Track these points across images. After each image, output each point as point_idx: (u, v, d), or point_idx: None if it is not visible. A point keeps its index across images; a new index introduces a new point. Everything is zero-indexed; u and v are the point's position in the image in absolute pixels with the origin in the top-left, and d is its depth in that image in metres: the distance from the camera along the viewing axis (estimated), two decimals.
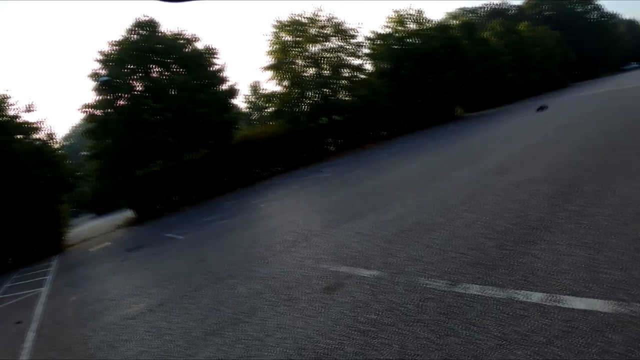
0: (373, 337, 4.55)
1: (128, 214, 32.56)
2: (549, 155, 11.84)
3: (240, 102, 75.81)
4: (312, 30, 41.45)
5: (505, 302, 4.54)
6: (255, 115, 57.14)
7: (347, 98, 41.81)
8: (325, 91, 40.98)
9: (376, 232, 8.63)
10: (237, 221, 16.24)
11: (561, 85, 74.67)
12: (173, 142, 29.44)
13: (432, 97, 46.77)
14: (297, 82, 40.67)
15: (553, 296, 4.41)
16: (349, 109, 40.71)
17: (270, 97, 41.56)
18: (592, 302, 4.12)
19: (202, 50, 34.33)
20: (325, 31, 41.70)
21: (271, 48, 40.91)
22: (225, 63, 34.94)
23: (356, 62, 43.68)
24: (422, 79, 44.47)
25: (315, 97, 41.15)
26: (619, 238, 5.31)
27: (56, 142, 28.03)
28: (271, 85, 42.97)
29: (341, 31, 42.06)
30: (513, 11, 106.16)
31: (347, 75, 42.55)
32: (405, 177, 14.95)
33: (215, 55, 34.73)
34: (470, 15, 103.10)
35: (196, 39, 34.39)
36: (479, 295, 4.86)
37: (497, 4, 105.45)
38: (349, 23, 46.29)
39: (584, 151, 11.27)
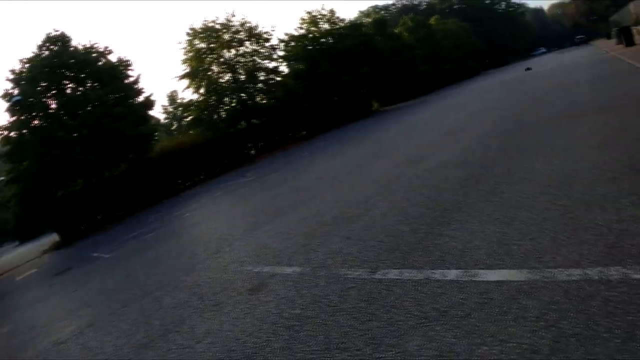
0: (298, 331, 4.64)
1: (54, 237, 31.57)
2: (461, 141, 12.57)
3: (158, 113, 75.12)
4: (226, 36, 41.68)
5: (423, 283, 4.73)
6: (175, 126, 56.69)
7: (264, 101, 42.25)
8: (242, 96, 41.22)
9: (297, 230, 8.85)
10: (161, 233, 16.14)
11: (473, 74, 77.51)
12: (92, 159, 28.78)
13: (349, 94, 47.74)
14: (213, 88, 40.77)
15: (468, 272, 4.61)
16: (266, 112, 41.17)
17: (187, 106, 41.35)
18: (506, 273, 4.32)
19: (115, 62, 33.73)
20: (239, 36, 42.07)
21: (186, 56, 40.78)
22: (139, 75, 34.28)
23: (271, 65, 44.35)
24: (338, 77, 45.40)
25: (233, 102, 41.40)
26: (527, 211, 5.66)
27: None
28: (188, 93, 42.49)
29: (255, 35, 42.49)
30: (424, 6, 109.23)
31: (262, 78, 43.04)
32: (324, 174, 15.31)
33: (129, 67, 34.22)
34: (383, 12, 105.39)
35: (109, 52, 33.74)
36: (397, 279, 5.05)
37: (407, 1, 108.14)
38: (262, 27, 46.45)
39: (492, 134, 12.12)
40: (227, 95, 41.03)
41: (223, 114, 40.90)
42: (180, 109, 44.04)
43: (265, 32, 43.00)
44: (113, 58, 34.10)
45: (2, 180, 30.88)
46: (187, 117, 42.17)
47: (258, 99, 42.42)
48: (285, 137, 42.49)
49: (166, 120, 50.44)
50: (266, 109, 41.15)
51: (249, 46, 42.69)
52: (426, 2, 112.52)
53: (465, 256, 5.01)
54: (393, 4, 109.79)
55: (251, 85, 42.06)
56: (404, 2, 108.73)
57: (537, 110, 14.29)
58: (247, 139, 40.42)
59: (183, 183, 34.95)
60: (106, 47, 33.80)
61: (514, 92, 23.62)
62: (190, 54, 40.75)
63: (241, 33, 42.03)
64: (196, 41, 40.95)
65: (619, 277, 3.62)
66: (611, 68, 20.58)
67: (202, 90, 40.89)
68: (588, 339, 3.07)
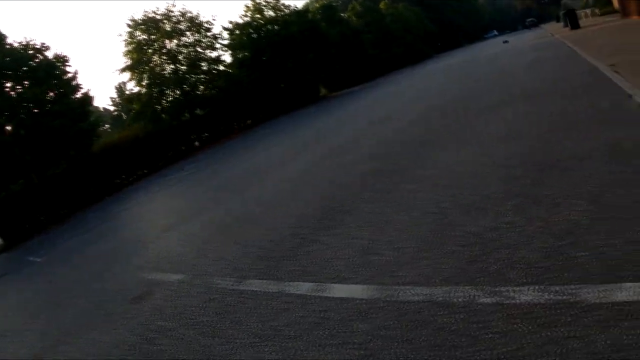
0: (154, 344, 4.77)
1: None
2: (385, 132, 12.81)
3: (108, 105, 74.04)
4: (167, 26, 41.08)
5: (275, 296, 4.78)
6: (124, 117, 55.67)
7: (207, 91, 41.92)
8: (185, 87, 40.80)
9: (202, 233, 9.15)
10: (95, 234, 15.96)
11: (424, 57, 77.90)
12: (30, 159, 28.17)
13: (295, 81, 47.66)
14: (155, 80, 40.24)
15: (320, 285, 4.58)
16: (210, 102, 40.82)
17: (129, 99, 40.86)
18: (353, 289, 4.25)
19: (52, 59, 32.79)
20: (180, 26, 41.52)
21: (127, 48, 40.03)
22: (76, 70, 33.57)
23: (214, 54, 43.94)
24: (283, 64, 45.18)
25: (176, 94, 40.94)
26: (407, 214, 5.73)
27: None
28: (131, 86, 41.77)
29: (196, 25, 42.02)
30: None
31: (205, 68, 42.67)
32: (253, 167, 15.54)
33: (66, 63, 33.30)
34: None
35: (46, 48, 32.73)
36: (256, 290, 5.14)
37: None
38: (203, 16, 45.90)
39: (416, 124, 12.51)
40: (169, 87, 40.55)
41: (166, 106, 40.34)
42: (124, 101, 43.24)
43: (207, 22, 42.64)
44: (50, 54, 32.94)
45: None
46: (131, 110, 41.43)
47: (201, 89, 42.08)
48: (230, 126, 42.23)
49: (115, 113, 49.50)
50: (210, 99, 40.80)
51: (190, 36, 42.20)
52: None
53: (326, 267, 5.07)
54: None
55: (194, 76, 41.69)
56: None
57: (467, 97, 14.83)
58: (191, 130, 39.98)
59: (127, 178, 34.34)
60: (43, 44, 32.66)
61: (452, 78, 24.06)
62: (132, 45, 39.98)
63: (182, 23, 41.52)
64: (137, 32, 40.22)
65: (463, 301, 3.48)
66: (551, 52, 20.94)
67: (144, 82, 40.28)
68: None
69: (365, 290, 4.21)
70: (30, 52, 31.89)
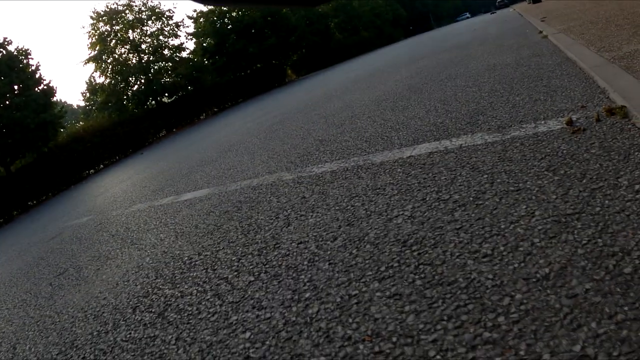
0: None
1: None
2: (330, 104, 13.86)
3: (79, 100, 74.34)
4: (129, 17, 41.43)
5: None
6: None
7: (171, 79, 42.32)
8: (149, 76, 41.29)
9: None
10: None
11: (394, 40, 78.56)
12: None
13: (260, 66, 48.38)
14: (119, 70, 40.63)
15: None
16: (174, 88, 41.40)
17: (93, 90, 41.40)
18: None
19: (14, 52, 33.36)
20: (142, 16, 41.82)
21: (91, 40, 40.42)
22: (38, 63, 34.02)
23: (176, 42, 44.15)
24: (245, 50, 45.73)
25: (139, 83, 41.41)
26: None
27: None
28: (96, 77, 42.06)
29: (157, 14, 42.34)
30: None
31: (168, 56, 43.13)
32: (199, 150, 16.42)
33: (28, 56, 33.69)
34: None
35: (8, 42, 33.16)
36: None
37: None
38: (164, 5, 46.37)
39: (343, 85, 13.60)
40: (133, 76, 40.91)
41: (130, 95, 40.78)
42: (89, 92, 43.59)
43: (168, 10, 43.03)
44: (12, 48, 33.33)
45: None
46: (96, 100, 41.91)
47: (165, 77, 42.53)
48: (195, 113, 42.66)
49: (88, 107, 49.78)
50: (173, 87, 41.32)
51: (152, 25, 42.62)
52: None
53: None
54: None
55: (157, 64, 42.09)
56: None
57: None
58: (157, 118, 40.35)
59: (94, 167, 34.83)
60: (5, 39, 33.01)
61: (404, 53, 25.18)
62: (95, 37, 40.37)
63: (144, 13, 41.86)
64: (100, 24, 40.63)
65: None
66: (508, 22, 22.42)
67: (108, 73, 40.68)
68: None
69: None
70: None
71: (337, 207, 3.91)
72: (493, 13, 48.63)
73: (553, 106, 4.47)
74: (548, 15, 16.71)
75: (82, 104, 46.80)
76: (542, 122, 4.11)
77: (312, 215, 3.95)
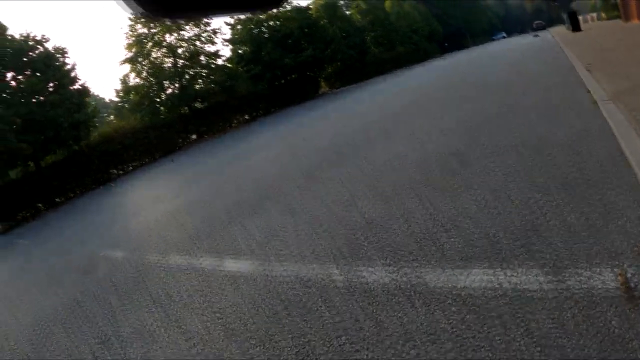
0: None
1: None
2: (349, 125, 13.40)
3: (112, 97, 74.80)
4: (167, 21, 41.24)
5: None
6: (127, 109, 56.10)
7: (205, 86, 42.22)
8: (183, 80, 41.22)
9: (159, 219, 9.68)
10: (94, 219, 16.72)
11: (429, 57, 78.00)
12: (26, 149, 28.86)
13: (295, 77, 48.26)
14: (154, 73, 40.70)
15: None
16: (208, 95, 41.22)
17: (127, 91, 41.46)
18: None
19: (51, 51, 33.24)
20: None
21: (128, 41, 40.58)
22: (74, 63, 34.19)
23: (212, 48, 44.04)
24: (281, 60, 45.39)
25: (174, 87, 41.36)
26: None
27: None
28: (131, 78, 42.11)
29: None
30: None
31: (204, 62, 42.98)
32: (225, 160, 16.07)
33: (65, 55, 33.78)
34: None
35: (46, 40, 33.13)
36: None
37: None
38: None
39: (376, 121, 12.95)
40: (168, 80, 40.93)
41: (164, 99, 40.79)
42: (122, 93, 43.63)
43: None
44: (49, 46, 33.33)
45: None
46: (129, 101, 41.90)
47: (199, 82, 42.45)
48: (227, 121, 42.75)
49: (120, 104, 49.93)
50: (207, 93, 41.17)
51: (189, 30, 42.61)
52: None
53: None
54: None
55: (192, 70, 42.02)
56: None
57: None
58: (189, 123, 40.48)
59: (123, 169, 34.97)
60: (43, 36, 33.04)
61: (441, 77, 24.56)
62: (132, 39, 40.55)
63: None
64: (138, 26, 40.72)
65: None
66: (544, 51, 21.60)
67: (143, 75, 40.83)
68: None
69: None
70: (31, 43, 32.50)
71: (392, 350, 3.56)
72: (536, 36, 46.50)
73: (607, 241, 3.92)
74: (593, 53, 15.20)
75: (115, 98, 46.69)
76: (597, 269, 3.62)
77: (366, 354, 3.61)
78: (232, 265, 5.89)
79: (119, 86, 47.64)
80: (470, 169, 6.71)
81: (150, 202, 13.01)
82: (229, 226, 7.03)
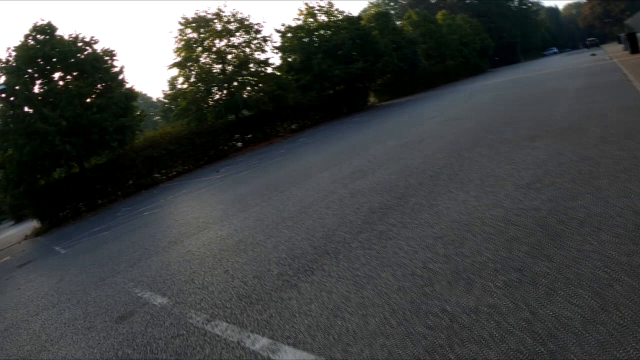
0: None
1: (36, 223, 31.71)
2: (409, 156, 11.90)
3: (158, 99, 75.15)
4: (217, 26, 41.14)
5: (231, 347, 4.52)
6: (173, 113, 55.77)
7: (253, 93, 41.56)
8: (232, 87, 40.66)
9: (199, 253, 8.65)
10: (117, 232, 16.01)
11: (479, 71, 76.68)
12: (70, 150, 28.69)
13: (344, 88, 47.35)
14: (202, 79, 40.31)
15: (275, 344, 4.27)
16: (256, 104, 40.52)
17: (174, 96, 41.19)
18: (302, 356, 3.96)
19: (100, 53, 33.24)
20: (230, 26, 41.44)
21: (177, 45, 40.39)
22: (122, 66, 33.65)
23: (262, 56, 43.36)
24: (330, 71, 44.47)
25: (222, 93, 40.85)
26: (392, 271, 5.10)
27: None
28: (179, 83, 41.92)
29: (246, 26, 41.85)
30: (434, 0, 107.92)
31: (253, 70, 42.32)
32: (273, 182, 14.96)
33: (114, 58, 33.76)
34: (392, 4, 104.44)
35: (94, 42, 33.24)
36: (219, 335, 4.86)
37: None
38: (254, 18, 45.82)
39: (443, 151, 11.35)
40: (216, 86, 40.42)
41: (211, 105, 40.29)
42: (169, 98, 43.44)
43: (257, 23, 42.21)
44: (98, 48, 33.54)
45: None
46: (176, 106, 41.61)
47: (248, 90, 41.81)
48: (275, 130, 42.17)
49: (167, 106, 49.97)
50: (255, 101, 40.43)
51: (239, 37, 42.09)
52: None
53: (289, 322, 4.67)
54: None
55: (241, 77, 41.40)
56: None
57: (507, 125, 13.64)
58: (235, 131, 40.12)
59: (166, 174, 34.84)
60: (92, 37, 33.20)
61: (497, 99, 22.94)
62: (182, 43, 40.35)
63: (232, 24, 41.31)
64: (188, 30, 40.48)
65: None
66: (605, 77, 19.91)
67: (191, 80, 40.55)
68: None
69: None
70: (79, 44, 32.42)
71: None
72: (593, 55, 44.70)
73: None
74: None
75: (164, 100, 46.61)
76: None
77: None
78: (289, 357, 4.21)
79: (167, 87, 47.94)
80: (563, 262, 5.10)
81: (192, 224, 12.07)
82: (282, 290, 5.67)
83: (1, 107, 29.33)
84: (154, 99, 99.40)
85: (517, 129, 11.55)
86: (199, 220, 12.34)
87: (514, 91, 24.27)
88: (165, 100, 46.01)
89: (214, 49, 41.36)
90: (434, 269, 4.78)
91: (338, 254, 6.14)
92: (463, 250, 5.04)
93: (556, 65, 41.36)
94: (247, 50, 42.22)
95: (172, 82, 43.85)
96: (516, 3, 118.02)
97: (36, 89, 30.68)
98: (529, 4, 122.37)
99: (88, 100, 31.73)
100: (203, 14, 40.88)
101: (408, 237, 6.03)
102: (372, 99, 57.59)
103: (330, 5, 49.49)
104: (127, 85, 34.39)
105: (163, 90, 63.26)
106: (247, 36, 42.09)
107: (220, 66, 41.53)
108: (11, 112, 29.25)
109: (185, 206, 17.17)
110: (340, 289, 5.03)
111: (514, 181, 7.09)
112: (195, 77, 40.59)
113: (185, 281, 7.18)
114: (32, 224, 33.29)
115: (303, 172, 14.83)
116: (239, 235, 9.07)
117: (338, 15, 49.59)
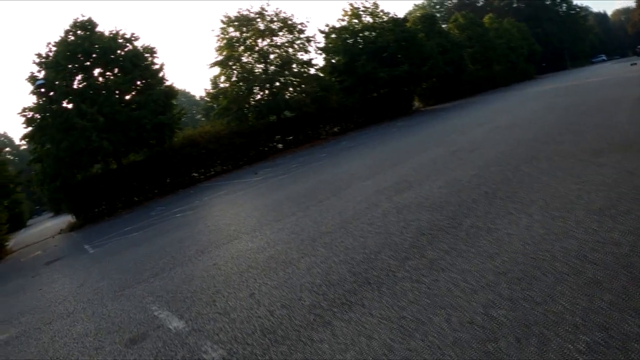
0: None
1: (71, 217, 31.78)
2: (460, 167, 10.64)
3: (200, 98, 75.36)
4: (260, 25, 40.51)
5: None
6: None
7: (295, 94, 40.75)
8: (274, 88, 39.94)
9: (226, 268, 7.80)
10: (147, 234, 15.52)
11: (526, 77, 74.82)
12: (107, 147, 28.41)
13: (388, 91, 46.18)
14: (244, 78, 39.66)
15: None
16: (298, 105, 39.74)
17: (215, 95, 40.80)
18: None
19: (140, 49, 33.05)
20: (273, 26, 40.80)
21: (219, 44, 39.86)
22: (163, 63, 33.38)
23: (305, 57, 42.59)
24: (375, 73, 43.27)
25: (263, 93, 40.23)
26: (446, 316, 4.09)
27: None
28: (221, 82, 41.51)
29: (289, 25, 41.13)
30: (480, 3, 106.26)
31: (296, 70, 41.51)
32: (312, 189, 14.01)
33: (154, 55, 33.54)
34: (438, 7, 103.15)
35: (135, 38, 33.14)
36: None
37: None
38: (297, 17, 45.09)
39: (498, 163, 10.03)
40: (258, 86, 39.79)
41: (252, 105, 39.68)
42: (209, 97, 43.14)
43: (300, 23, 41.49)
44: (139, 45, 33.43)
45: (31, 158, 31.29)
46: (217, 105, 41.18)
47: (290, 91, 41.09)
48: (316, 132, 41.45)
49: (209, 104, 49.87)
50: (297, 102, 39.66)
51: (282, 37, 41.35)
52: None
53: None
54: None
55: (283, 77, 40.70)
56: None
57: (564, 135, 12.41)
58: (276, 132, 39.52)
59: (204, 173, 34.53)
60: (132, 34, 33.19)
61: (549, 107, 21.55)
62: (224, 41, 39.76)
63: (275, 23, 40.65)
64: (230, 29, 39.92)
65: None
66: None
67: (233, 79, 39.99)
68: None
69: None
70: (120, 41, 32.35)
71: None
72: (634, 64, 43.29)
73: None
74: None
75: (206, 98, 46.44)
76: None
77: None
78: None
79: (209, 86, 47.67)
80: None
81: (223, 232, 11.28)
82: (313, 328, 4.70)
83: (40, 101, 29.26)
84: (197, 97, 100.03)
85: (577, 142, 10.32)
86: (231, 227, 11.57)
87: (567, 99, 22.83)
88: (207, 99, 45.66)
89: (257, 48, 40.75)
90: (498, 318, 3.72)
91: (381, 286, 5.06)
92: (532, 294, 3.97)
93: (606, 73, 39.73)
94: (290, 50, 41.51)
95: (215, 81, 43.29)
96: (564, 8, 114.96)
97: (75, 85, 30.67)
98: (577, 9, 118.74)
99: (127, 97, 31.69)
100: (246, 12, 40.34)
101: (464, 269, 4.92)
102: (416, 104, 56.36)
103: (376, 6, 48.39)
104: (167, 83, 34.17)
105: (205, 89, 63.59)
106: (290, 36, 41.38)
107: (262, 66, 40.88)
108: (50, 107, 29.18)
109: (218, 210, 16.54)
110: (383, 334, 3.96)
111: (584, 205, 5.90)
112: (236, 77, 39.98)
113: (206, 302, 6.31)
114: (68, 218, 33.23)
115: (344, 180, 13.84)
116: (271, 249, 8.15)
117: (383, 16, 48.54)
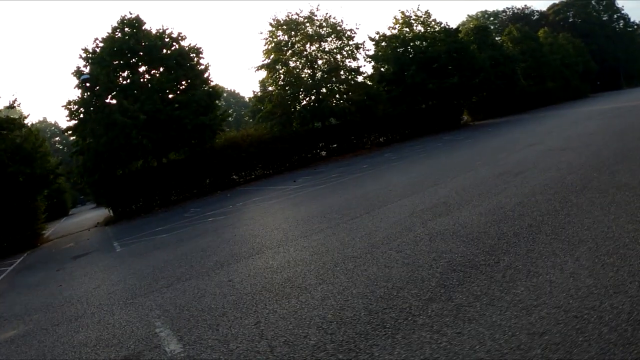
0: None
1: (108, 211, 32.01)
2: (504, 192, 9.82)
3: (249, 99, 75.55)
4: (309, 30, 40.04)
5: None
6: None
7: (342, 102, 40.15)
8: (320, 94, 39.42)
9: (240, 286, 7.26)
10: (174, 237, 15.23)
11: (580, 95, 72.52)
12: (147, 144, 28.35)
13: (437, 103, 45.10)
14: (290, 83, 39.18)
15: None
16: (343, 113, 39.14)
17: (261, 98, 40.47)
18: None
19: (186, 49, 32.93)
20: (321, 31, 40.24)
21: (266, 47, 39.50)
22: (208, 63, 33.16)
23: (353, 64, 41.81)
24: (424, 85, 42.35)
25: (309, 99, 39.73)
26: None
27: (38, 138, 27.35)
28: (266, 86, 41.21)
29: (338, 31, 40.43)
30: (535, 16, 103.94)
31: (343, 77, 40.82)
32: (346, 204, 13.32)
33: (200, 55, 33.39)
34: (492, 19, 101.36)
35: (182, 38, 33.05)
36: None
37: (519, 9, 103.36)
38: (347, 23, 44.40)
39: (546, 191, 9.14)
40: (303, 91, 39.39)
41: (298, 110, 39.14)
42: (254, 100, 42.89)
43: (350, 29, 40.77)
44: (185, 44, 33.32)
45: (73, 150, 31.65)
46: (262, 109, 40.72)
47: (336, 98, 40.53)
48: (361, 141, 40.70)
49: (255, 105, 49.80)
50: (343, 110, 39.08)
51: (331, 42, 40.70)
52: (538, 12, 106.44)
53: None
54: (503, 11, 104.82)
55: (330, 84, 40.18)
56: (516, 10, 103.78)
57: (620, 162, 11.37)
58: (320, 139, 38.95)
59: (244, 176, 34.20)
60: (179, 33, 33.10)
61: (605, 129, 20.21)
62: (271, 45, 39.39)
63: (324, 28, 40.01)
64: (278, 32, 39.55)
65: None
66: None
67: (279, 83, 39.51)
68: None
69: None
70: (166, 39, 32.34)
71: None
72: None
73: None
74: None
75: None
76: None
77: None
78: None
79: (258, 88, 47.54)
80: None
81: (248, 243, 10.80)
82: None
83: (85, 96, 29.48)
84: (246, 99, 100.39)
85: (634, 171, 9.30)
86: (256, 239, 11.13)
87: (624, 120, 21.51)
88: (254, 102, 45.48)
89: (304, 53, 40.27)
90: None
91: (396, 332, 4.36)
92: None
93: None
94: (339, 56, 40.85)
95: (263, 84, 43.08)
96: (621, 25, 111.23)
97: (119, 81, 30.87)
98: (635, 26, 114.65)
99: (170, 96, 31.61)
100: (295, 16, 39.87)
101: (494, 323, 4.13)
102: (465, 117, 55.02)
103: (428, 15, 47.30)
104: (212, 84, 34.04)
105: (254, 91, 63.63)
106: (339, 42, 40.71)
107: (309, 71, 40.44)
108: (93, 102, 29.47)
109: (249, 218, 16.12)
110: None
111: None
112: (283, 81, 39.55)
113: (209, 325, 5.87)
114: (107, 211, 33.45)
115: (381, 196, 13.16)
116: (290, 270, 7.57)
117: (435, 26, 47.41)
